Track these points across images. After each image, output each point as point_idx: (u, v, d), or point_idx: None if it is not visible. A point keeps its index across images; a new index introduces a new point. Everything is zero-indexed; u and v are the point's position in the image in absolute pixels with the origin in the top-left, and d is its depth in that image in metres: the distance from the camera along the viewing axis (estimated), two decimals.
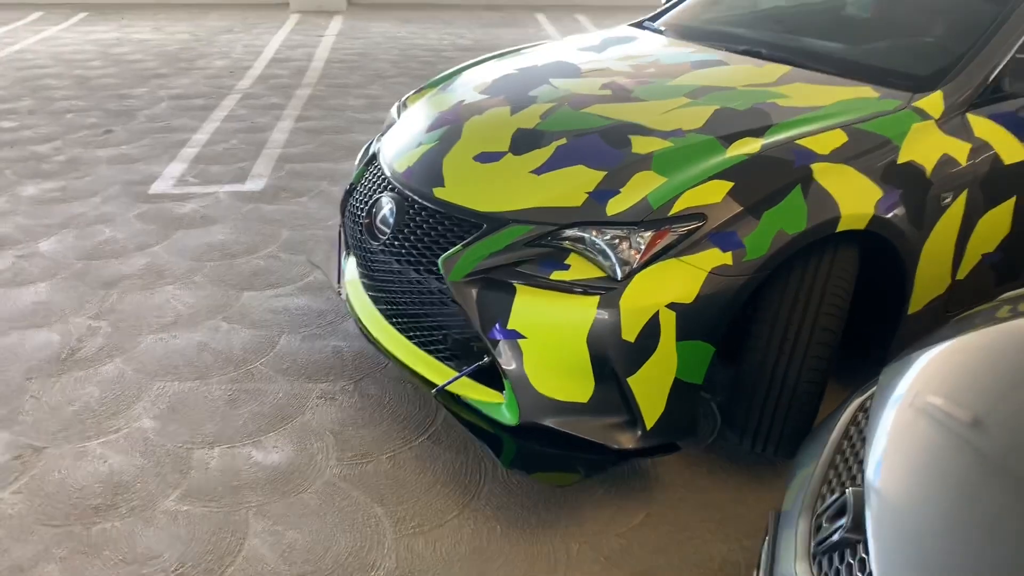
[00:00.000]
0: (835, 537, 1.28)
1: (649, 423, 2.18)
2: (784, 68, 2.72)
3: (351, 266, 2.86)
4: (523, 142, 2.44)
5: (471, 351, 2.35)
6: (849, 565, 1.22)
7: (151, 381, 2.84)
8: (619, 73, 2.82)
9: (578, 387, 2.17)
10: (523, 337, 2.15)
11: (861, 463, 1.38)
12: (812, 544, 1.32)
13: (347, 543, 2.17)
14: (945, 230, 2.42)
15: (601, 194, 2.20)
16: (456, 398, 2.35)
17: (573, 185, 2.25)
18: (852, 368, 2.68)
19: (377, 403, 2.75)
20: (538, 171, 2.33)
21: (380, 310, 2.62)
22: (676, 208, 2.11)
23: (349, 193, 2.88)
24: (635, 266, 2.08)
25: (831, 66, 2.71)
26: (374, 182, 2.73)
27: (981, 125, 2.46)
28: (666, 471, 2.45)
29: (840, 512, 1.31)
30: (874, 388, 1.58)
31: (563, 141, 2.38)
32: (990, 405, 1.36)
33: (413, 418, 2.68)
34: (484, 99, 2.78)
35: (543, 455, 2.23)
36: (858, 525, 1.26)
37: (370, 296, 2.67)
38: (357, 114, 6.02)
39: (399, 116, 3.09)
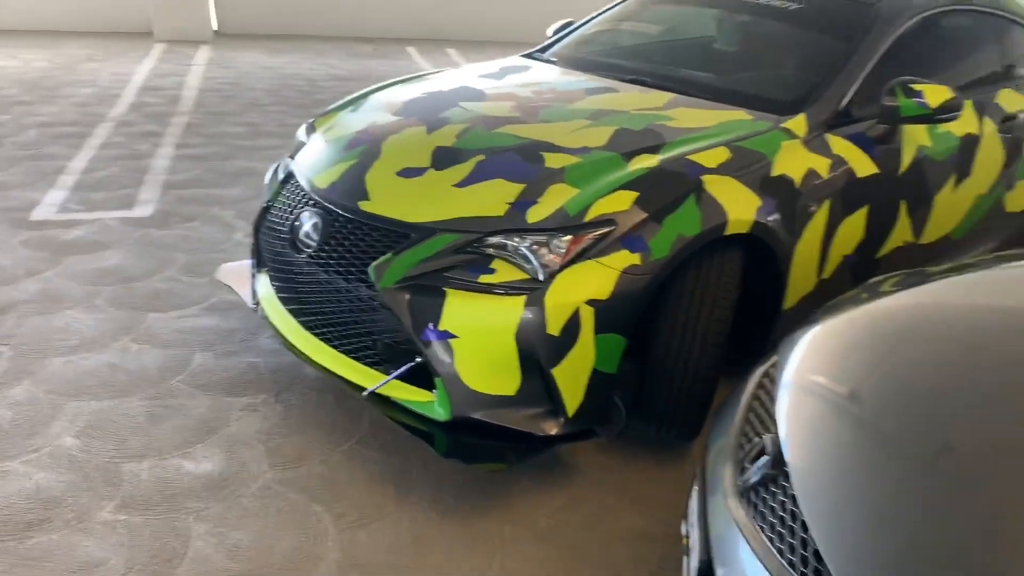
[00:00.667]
0: (758, 477, 1.53)
1: (571, 411, 2.39)
2: (668, 95, 3.04)
3: (265, 282, 2.95)
4: (444, 158, 2.63)
5: (400, 354, 2.49)
6: (773, 493, 1.47)
7: (66, 401, 2.82)
8: (523, 98, 3.07)
9: (506, 381, 2.36)
10: (455, 337, 2.33)
11: (772, 416, 1.64)
12: (739, 484, 1.57)
13: (292, 539, 2.26)
14: (812, 235, 2.78)
15: (521, 204, 2.41)
16: (387, 400, 2.49)
17: (495, 196, 2.45)
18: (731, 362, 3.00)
19: (301, 412, 2.84)
20: (461, 184, 2.52)
21: (303, 322, 2.73)
22: (590, 215, 2.36)
23: (265, 211, 2.97)
24: (556, 268, 2.31)
25: (708, 93, 3.05)
26: (294, 199, 2.84)
27: (837, 144, 2.85)
28: (584, 458, 2.67)
29: (759, 455, 1.56)
30: (775, 358, 1.86)
31: (482, 157, 2.59)
32: (862, 378, 1.62)
33: (339, 424, 2.79)
34: (398, 120, 2.95)
35: (476, 446, 2.40)
36: (777, 463, 1.51)
37: (292, 309, 2.77)
38: (239, 141, 6.02)
39: (308, 137, 3.21)
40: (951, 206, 3.29)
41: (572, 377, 2.36)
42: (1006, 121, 3.46)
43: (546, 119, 2.83)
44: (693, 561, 1.61)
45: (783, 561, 1.33)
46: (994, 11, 3.62)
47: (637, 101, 2.98)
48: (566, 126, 2.76)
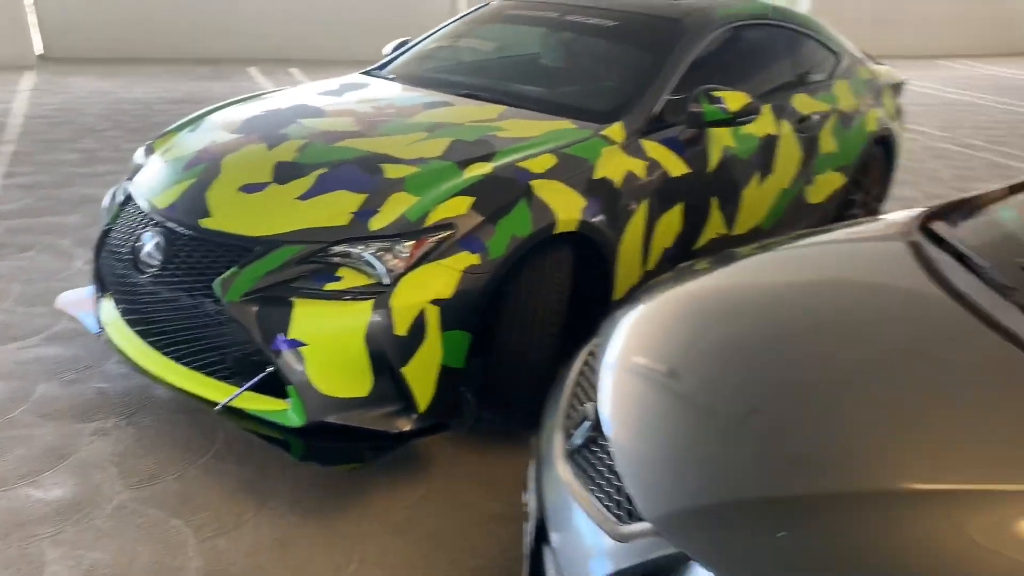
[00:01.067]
0: (581, 440, 1.71)
1: (422, 406, 2.53)
2: (500, 108, 3.24)
3: (109, 307, 2.94)
4: (285, 173, 2.71)
5: (250, 366, 2.55)
6: (594, 452, 1.66)
7: None
8: (362, 113, 3.19)
9: (358, 383, 2.47)
10: (304, 345, 2.42)
11: (594, 388, 1.84)
12: (566, 448, 1.75)
13: (150, 553, 2.29)
14: (634, 231, 3.04)
15: (363, 213, 2.54)
16: (241, 412, 2.55)
17: (337, 207, 2.57)
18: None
19: (154, 432, 2.84)
20: (303, 197, 2.62)
21: (151, 342, 2.74)
22: (430, 220, 2.51)
23: (105, 235, 2.96)
24: (400, 271, 2.44)
25: (536, 105, 3.27)
26: (134, 221, 2.85)
27: (652, 148, 3.13)
28: (438, 451, 2.81)
29: (582, 422, 1.76)
30: (596, 339, 2.07)
31: (324, 171, 2.70)
32: (679, 357, 1.82)
33: (194, 441, 2.81)
34: (237, 138, 3.01)
35: (332, 448, 2.50)
36: (596, 427, 1.70)
37: (139, 330, 2.77)
38: (74, 168, 5.82)
39: (146, 159, 3.21)
40: (758, 200, 3.65)
41: (422, 374, 2.50)
42: (801, 122, 3.87)
43: (385, 132, 2.97)
44: (531, 524, 1.79)
45: (602, 508, 1.52)
46: (786, 24, 4.04)
47: (471, 114, 3.17)
48: (404, 139, 2.90)
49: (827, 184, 4.13)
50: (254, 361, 2.54)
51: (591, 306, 2.96)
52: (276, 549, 2.34)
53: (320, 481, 2.64)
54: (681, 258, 3.30)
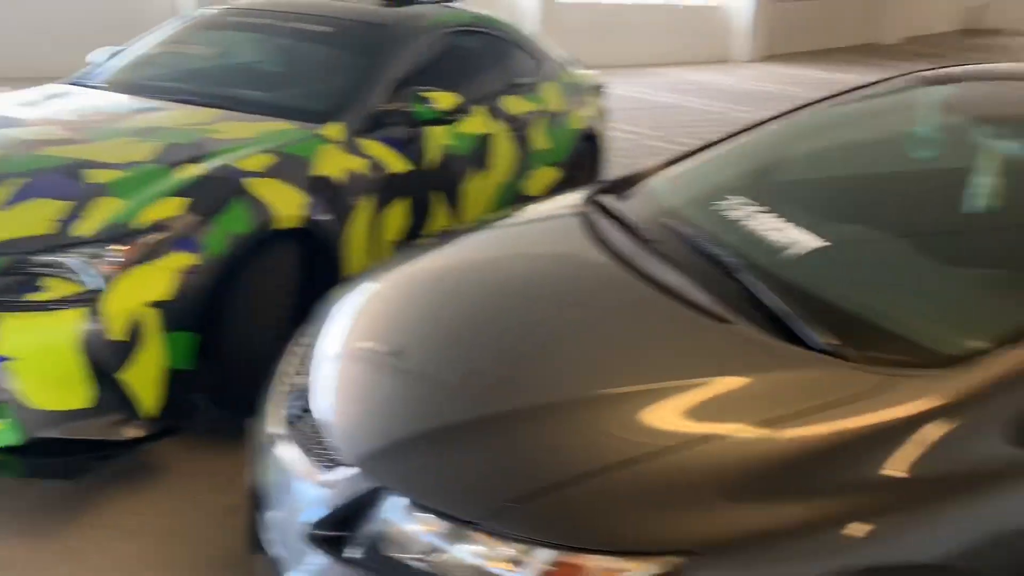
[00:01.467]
0: (293, 410, 1.83)
1: (149, 411, 2.51)
2: (216, 111, 3.26)
3: None
4: None
5: None
6: (304, 420, 1.78)
7: None
8: (67, 121, 3.09)
9: (78, 394, 2.41)
10: (14, 360, 2.33)
11: (306, 365, 1.96)
12: (280, 421, 1.86)
13: None
14: (359, 225, 3.19)
15: (67, 220, 2.48)
16: None
17: (40, 216, 2.49)
18: None
19: None
20: (2, 207, 2.51)
21: None
22: (141, 223, 2.50)
23: None
24: (113, 276, 2.42)
25: (253, 108, 3.32)
26: None
27: (370, 146, 3.29)
28: (170, 453, 2.78)
29: (294, 395, 1.88)
30: (307, 324, 2.19)
31: (25, 180, 2.59)
32: (402, 338, 1.97)
33: None
34: None
35: (56, 463, 2.43)
36: (304, 396, 1.83)
37: None
38: None
39: None
40: (479, 193, 3.93)
41: (145, 379, 2.49)
42: (513, 121, 4.20)
43: (91, 139, 2.90)
44: (248, 497, 1.88)
45: (309, 462, 1.65)
46: (493, 32, 4.37)
47: (184, 118, 3.16)
48: (111, 144, 2.85)
49: (543, 178, 4.50)
50: None
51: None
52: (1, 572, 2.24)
53: (49, 495, 2.54)
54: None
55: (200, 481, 2.68)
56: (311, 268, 3.04)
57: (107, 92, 3.57)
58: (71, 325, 2.36)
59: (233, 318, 2.69)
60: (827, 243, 1.97)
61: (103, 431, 2.47)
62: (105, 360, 2.40)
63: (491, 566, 1.37)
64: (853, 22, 17.23)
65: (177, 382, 2.57)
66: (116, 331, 2.40)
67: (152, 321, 2.46)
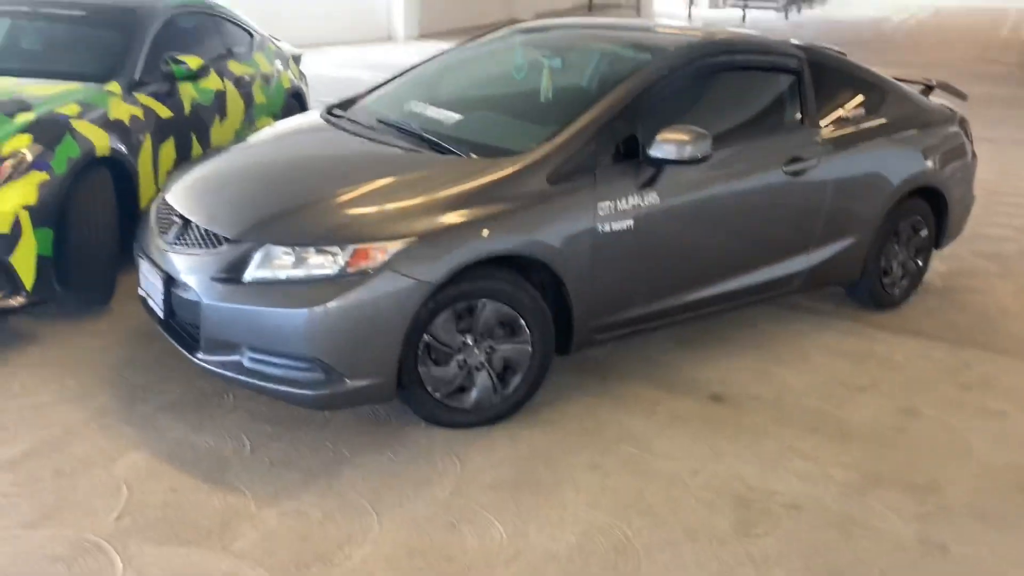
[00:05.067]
0: (174, 232, 3.10)
1: (29, 287, 3.54)
2: (15, 78, 4.18)
3: None
4: None
5: None
6: (184, 236, 3.06)
7: None
8: None
9: None
10: None
11: (172, 207, 3.21)
12: (166, 241, 3.10)
13: None
14: (145, 158, 4.31)
15: None
16: None
17: None
18: None
19: None
20: None
21: None
22: (4, 152, 3.51)
23: None
24: None
25: (43, 74, 4.28)
26: None
27: (143, 99, 4.41)
28: (45, 326, 3.78)
29: (172, 225, 3.13)
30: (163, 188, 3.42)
31: None
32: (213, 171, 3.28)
33: None
34: None
35: None
36: (183, 224, 3.10)
37: None
38: None
39: None
40: (223, 136, 5.13)
41: (25, 262, 3.52)
42: (238, 81, 5.42)
43: None
44: (157, 286, 3.10)
45: (202, 249, 2.95)
46: (215, 12, 5.55)
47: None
48: None
49: (265, 125, 5.75)
50: None
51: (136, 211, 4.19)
52: None
53: None
54: None
55: (69, 333, 3.74)
56: (118, 190, 4.12)
57: None
58: None
59: (75, 220, 3.76)
60: (461, 116, 3.61)
61: None
62: None
63: (321, 265, 2.81)
64: (494, 3, 19.83)
65: (42, 266, 3.61)
66: (3, 227, 3.41)
67: (25, 219, 3.50)
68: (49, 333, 3.76)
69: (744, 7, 21.54)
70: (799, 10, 23.95)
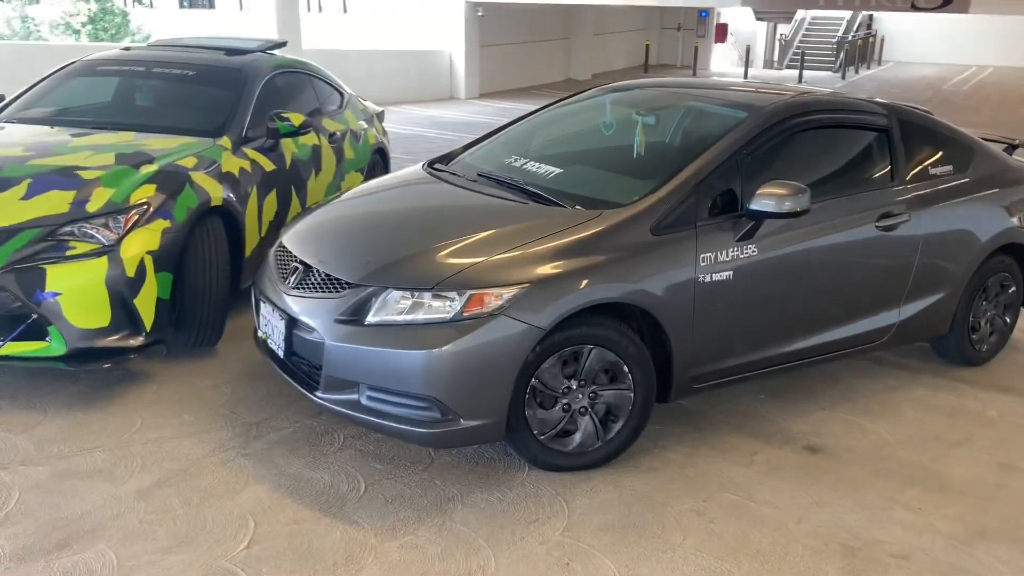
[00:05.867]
0: (294, 278, 3.27)
1: (148, 328, 3.74)
2: (131, 133, 4.46)
3: None
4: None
5: (10, 321, 3.51)
6: (306, 282, 3.23)
7: None
8: (21, 144, 4.16)
9: (102, 316, 3.60)
10: (60, 294, 3.49)
11: (292, 254, 3.39)
12: (287, 286, 3.28)
13: None
14: (252, 208, 4.53)
15: (79, 203, 3.67)
16: (8, 358, 3.51)
17: (56, 201, 3.65)
18: None
19: None
20: (24, 198, 3.63)
21: None
22: (132, 201, 3.74)
23: None
24: (121, 235, 3.64)
25: (157, 129, 4.55)
26: None
27: (250, 153, 4.66)
28: (159, 371, 3.97)
29: (295, 271, 3.31)
30: (281, 236, 3.61)
31: (30, 180, 3.72)
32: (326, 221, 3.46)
33: None
34: None
35: (93, 357, 3.60)
36: (305, 270, 3.27)
37: None
38: None
39: None
40: (318, 187, 5.37)
41: (146, 304, 3.72)
42: (331, 137, 5.68)
43: (58, 153, 4.04)
44: (279, 327, 3.26)
45: (324, 295, 3.11)
46: (309, 72, 5.84)
47: (113, 138, 4.34)
48: (78, 156, 4.01)
49: (352, 180, 6.00)
50: (13, 317, 3.50)
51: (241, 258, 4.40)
52: None
53: (91, 386, 3.67)
54: (279, 226, 4.86)
55: (197, 378, 3.92)
56: (229, 237, 4.35)
57: (25, 125, 4.61)
58: (99, 269, 3.56)
59: (191, 266, 3.97)
60: (561, 170, 3.77)
61: (120, 342, 3.67)
62: (123, 291, 3.62)
63: (438, 309, 2.95)
64: (552, 64, 20.32)
65: (160, 308, 3.81)
66: (130, 271, 3.63)
67: (149, 264, 3.71)
68: (163, 372, 3.95)
69: (801, 67, 21.68)
70: (856, 70, 24.02)
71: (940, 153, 4.18)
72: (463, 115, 14.73)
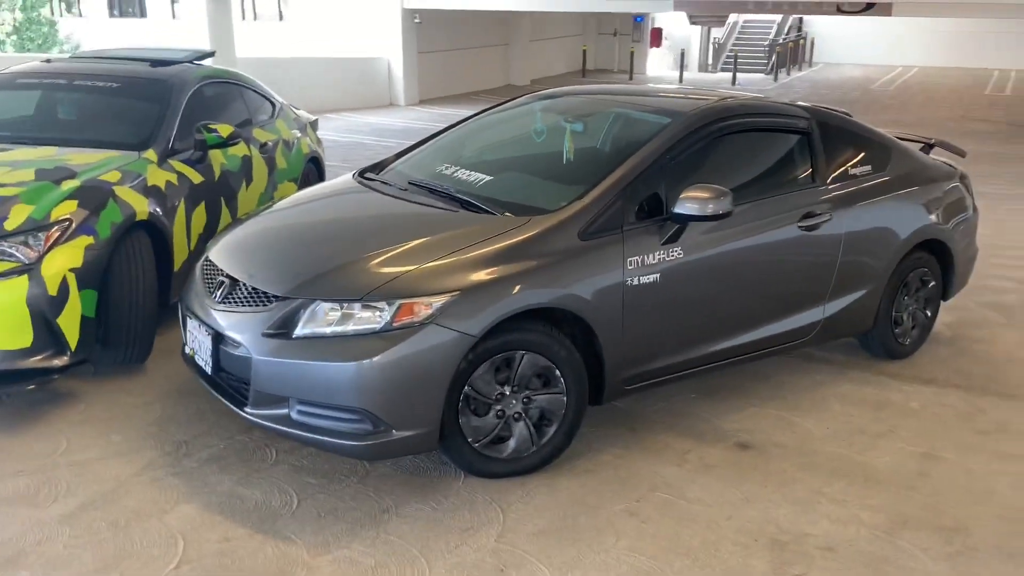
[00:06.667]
0: (221, 292, 3.23)
1: (73, 347, 3.65)
2: (53, 148, 4.35)
3: None
4: None
5: None
6: (232, 294, 3.19)
7: None
8: None
9: (23, 336, 3.50)
10: None
11: (218, 269, 3.35)
12: (214, 300, 3.23)
13: None
14: (180, 221, 4.45)
15: None
16: None
17: None
18: None
19: None
20: None
21: None
22: (52, 218, 3.65)
23: None
24: (42, 252, 3.55)
25: (81, 143, 4.45)
26: None
27: (177, 165, 4.58)
28: (86, 390, 3.88)
29: (221, 284, 3.26)
30: (206, 252, 3.56)
31: None
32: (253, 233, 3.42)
33: None
34: None
35: (16, 379, 3.50)
36: (232, 283, 3.23)
37: None
38: None
39: None
40: (249, 198, 5.30)
41: (70, 323, 3.63)
42: (263, 147, 5.62)
43: None
44: (206, 343, 3.21)
45: (249, 308, 3.08)
46: (239, 82, 5.77)
47: (34, 153, 4.23)
48: None
49: (285, 190, 5.93)
50: None
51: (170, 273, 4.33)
52: None
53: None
54: (209, 239, 4.78)
55: (110, 391, 3.84)
56: (154, 252, 4.26)
57: None
58: (17, 289, 3.47)
59: (116, 282, 3.89)
60: (492, 178, 3.79)
61: (40, 363, 3.57)
62: (45, 310, 3.53)
63: (368, 320, 2.94)
64: (491, 70, 20.38)
65: (85, 326, 3.72)
66: (52, 289, 3.54)
67: (72, 282, 3.62)
68: (90, 392, 3.86)
69: (734, 70, 22.11)
70: (788, 72, 24.58)
71: (859, 154, 4.30)
72: (402, 122, 14.68)
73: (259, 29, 21.20)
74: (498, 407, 3.16)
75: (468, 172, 3.87)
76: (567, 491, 3.19)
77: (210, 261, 3.50)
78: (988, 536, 3.03)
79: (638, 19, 24.14)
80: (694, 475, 3.34)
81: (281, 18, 22.03)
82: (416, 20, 17.00)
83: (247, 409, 3.08)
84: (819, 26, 28.63)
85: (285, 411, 3.01)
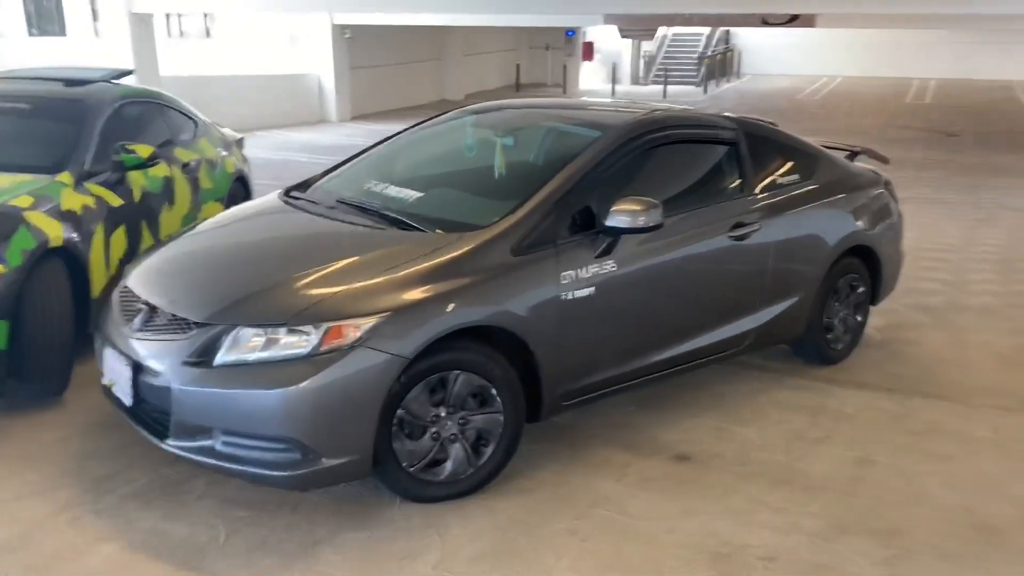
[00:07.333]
0: (140, 318, 3.08)
1: None
2: None
3: None
4: None
5: None
6: (151, 322, 3.05)
7: None
8: None
9: None
10: None
11: (135, 296, 3.20)
12: (132, 328, 3.09)
13: None
14: (97, 245, 4.28)
15: None
16: None
17: None
18: None
19: None
20: None
21: None
22: None
23: None
24: None
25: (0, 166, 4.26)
26: None
27: (94, 188, 4.40)
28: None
29: (139, 311, 3.12)
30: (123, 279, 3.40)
31: None
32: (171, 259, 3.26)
33: None
34: None
35: None
36: (150, 311, 3.09)
37: None
38: None
39: None
40: (172, 220, 5.13)
41: None
42: (185, 167, 5.45)
43: None
44: (125, 374, 3.06)
45: (170, 337, 2.95)
46: (160, 101, 5.59)
47: None
48: None
49: (211, 210, 5.76)
50: None
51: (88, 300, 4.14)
52: None
53: None
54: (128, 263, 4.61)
55: (25, 427, 3.64)
56: (71, 279, 4.08)
57: None
58: None
59: (30, 312, 3.70)
60: (422, 194, 3.72)
61: None
62: None
63: (293, 345, 2.83)
64: (425, 85, 20.31)
65: None
66: None
67: None
68: (3, 427, 3.66)
69: (665, 82, 22.45)
70: (717, 84, 25.05)
71: (786, 163, 4.35)
72: (334, 138, 14.50)
73: (185, 47, 20.75)
74: (433, 429, 3.09)
75: (398, 189, 3.79)
76: (506, 512, 3.12)
77: (127, 288, 3.35)
78: (923, 537, 3.05)
79: (569, 33, 24.34)
80: (634, 489, 3.31)
81: (208, 35, 21.60)
82: (347, 35, 16.85)
83: (169, 441, 2.95)
84: (746, 38, 29.29)
85: (210, 442, 2.88)
